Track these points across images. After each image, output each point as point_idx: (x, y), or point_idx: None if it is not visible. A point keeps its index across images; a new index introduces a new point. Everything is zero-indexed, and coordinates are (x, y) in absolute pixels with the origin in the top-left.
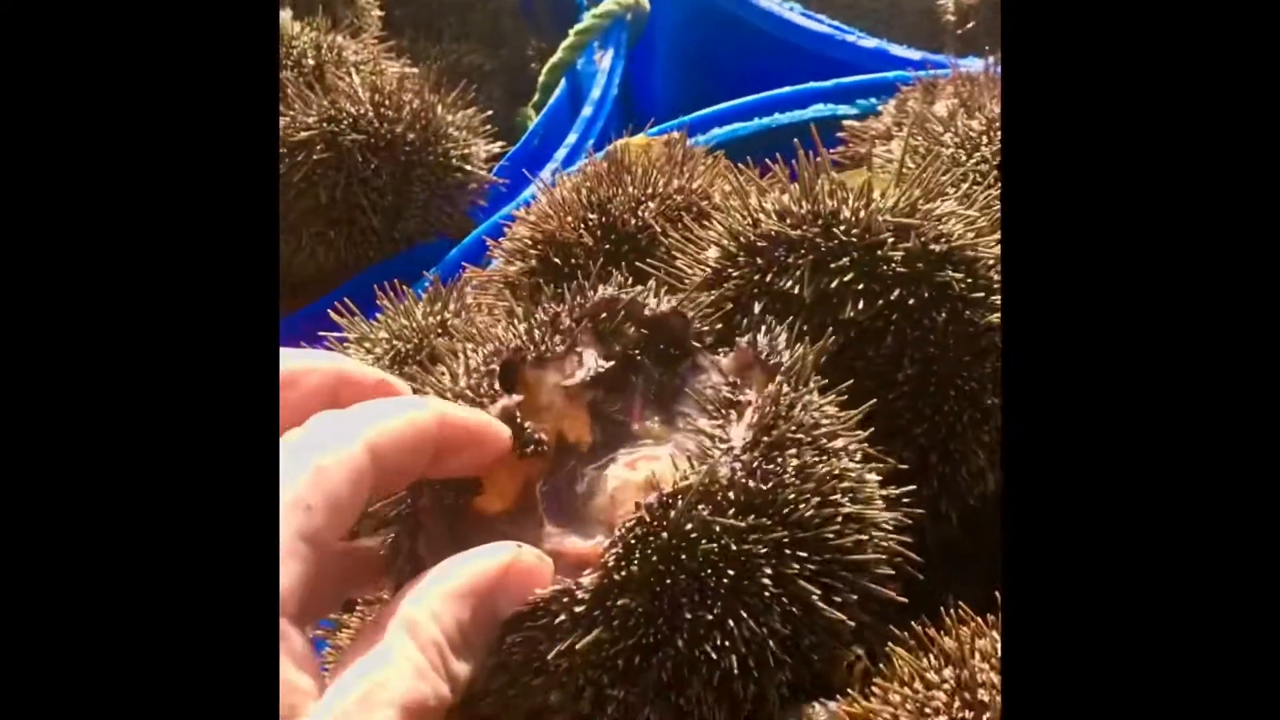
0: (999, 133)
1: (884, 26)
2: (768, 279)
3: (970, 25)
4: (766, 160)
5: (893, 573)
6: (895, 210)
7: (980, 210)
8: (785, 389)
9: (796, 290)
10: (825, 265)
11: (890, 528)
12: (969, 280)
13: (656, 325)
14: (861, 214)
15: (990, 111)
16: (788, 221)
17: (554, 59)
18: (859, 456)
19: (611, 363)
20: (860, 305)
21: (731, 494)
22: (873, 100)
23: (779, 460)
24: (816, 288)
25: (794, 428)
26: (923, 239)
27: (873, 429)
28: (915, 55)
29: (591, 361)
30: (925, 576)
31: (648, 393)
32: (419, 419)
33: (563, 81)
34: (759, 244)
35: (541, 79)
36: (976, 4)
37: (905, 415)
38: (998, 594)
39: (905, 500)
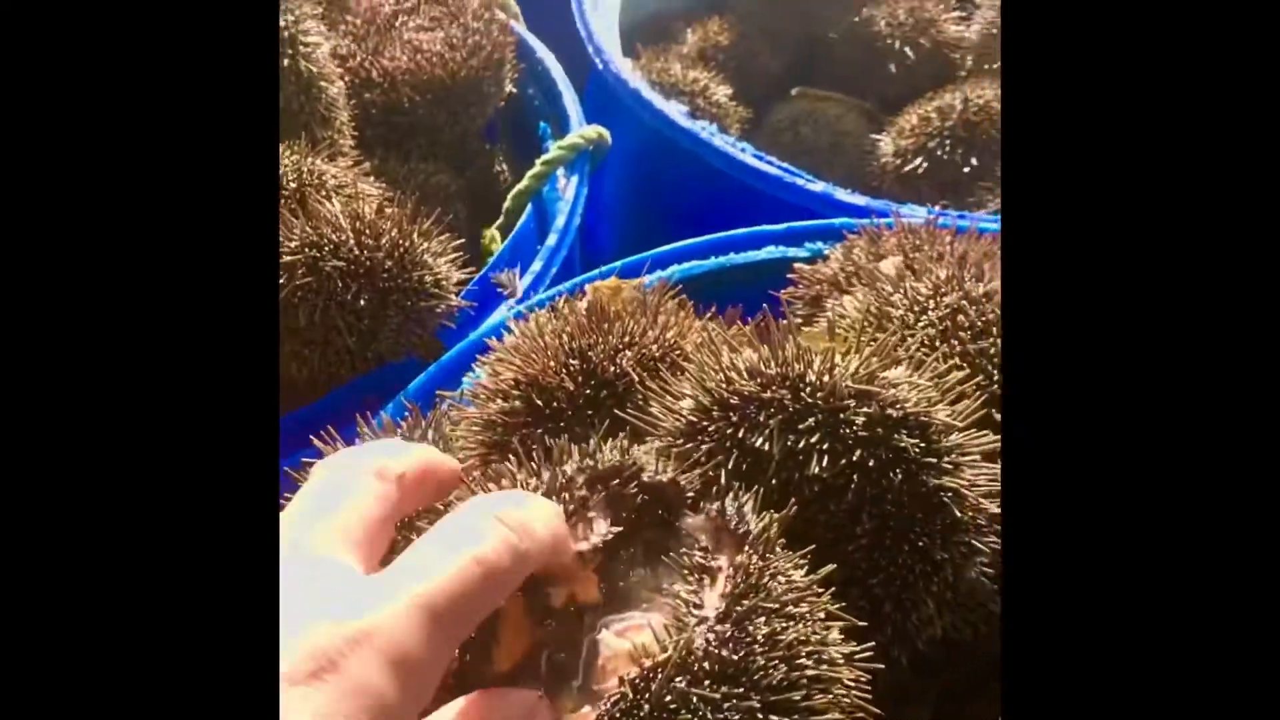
0: (943, 297)
1: (826, 165)
2: (740, 435)
3: (904, 170)
4: (721, 300)
5: None
6: (856, 376)
7: (930, 378)
8: (754, 559)
9: (766, 447)
10: (793, 425)
11: (851, 683)
12: (922, 445)
13: (655, 492)
14: (826, 378)
15: (935, 276)
16: (759, 381)
17: (520, 186)
18: (822, 615)
19: (619, 529)
20: (824, 463)
21: (707, 664)
22: (820, 244)
23: (750, 629)
24: (784, 445)
25: (763, 596)
26: (881, 405)
27: (834, 589)
28: (860, 200)
29: (603, 526)
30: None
31: (642, 556)
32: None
33: (528, 207)
34: (732, 401)
35: (507, 204)
36: (915, 148)
37: (862, 566)
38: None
39: (862, 655)
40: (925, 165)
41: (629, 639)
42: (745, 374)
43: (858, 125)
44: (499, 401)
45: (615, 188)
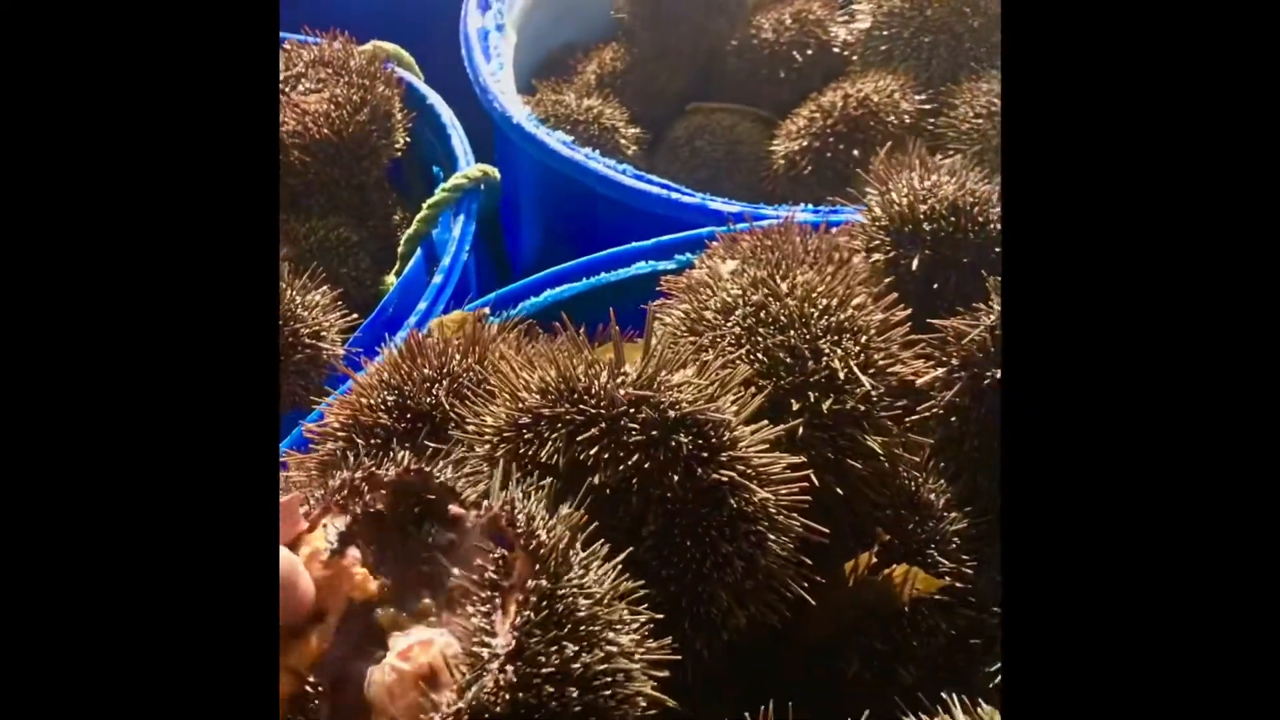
0: (751, 295)
1: (727, 175)
2: (530, 452)
3: (794, 172)
4: (595, 320)
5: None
6: (635, 383)
7: (711, 378)
8: (544, 582)
9: (553, 460)
10: (575, 438)
11: (650, 686)
12: (698, 441)
13: (400, 489)
14: (607, 388)
15: (749, 275)
16: (547, 398)
17: (409, 231)
18: (620, 617)
19: (349, 519)
20: (607, 471)
21: (499, 709)
22: (689, 255)
23: (542, 663)
24: (570, 457)
25: (556, 621)
26: (658, 408)
27: (630, 593)
28: (735, 208)
29: (334, 527)
30: (689, 708)
31: (414, 553)
32: None
33: (419, 251)
34: (521, 420)
35: (400, 249)
36: (802, 149)
37: (653, 564)
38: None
39: (658, 655)
40: (812, 164)
41: (413, 659)
42: (536, 393)
43: (753, 133)
44: (329, 443)
45: (525, 219)
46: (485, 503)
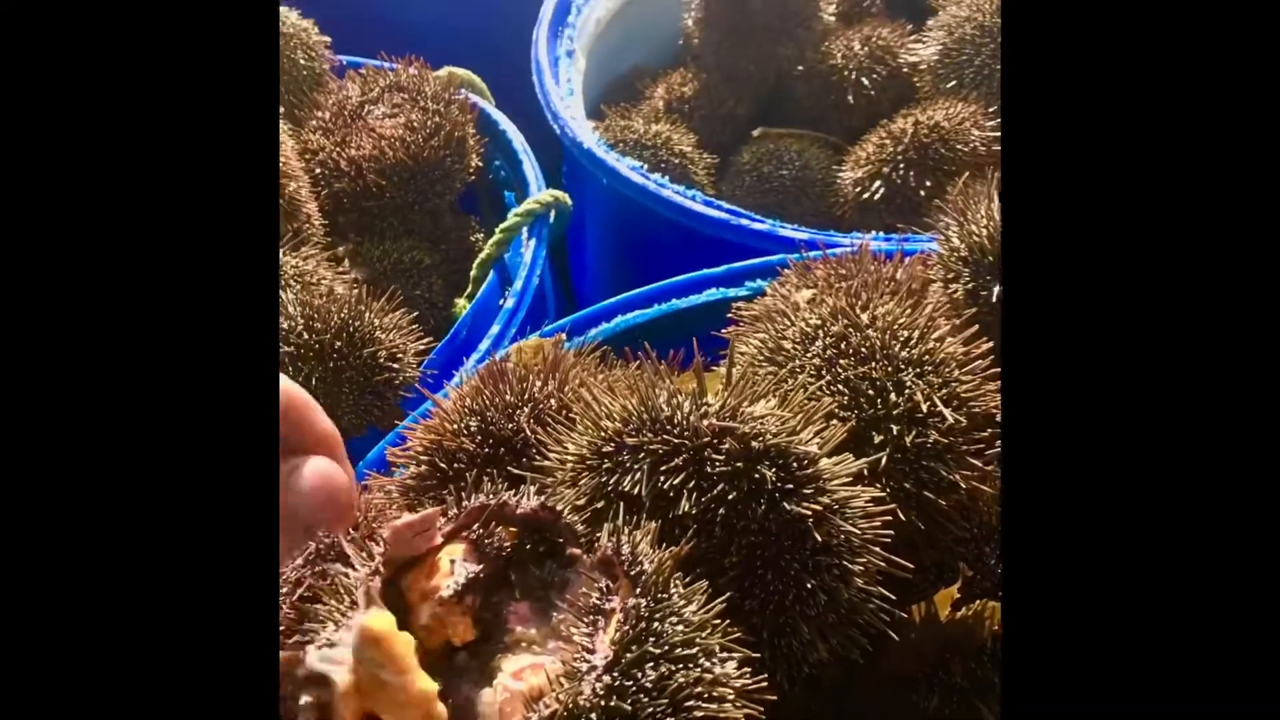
0: (831, 326)
1: (793, 201)
2: (612, 480)
3: (865, 196)
4: (667, 346)
5: None
6: (718, 414)
7: (794, 409)
8: (644, 602)
9: (637, 490)
10: (659, 467)
11: (741, 716)
12: (782, 474)
13: (526, 523)
14: (691, 418)
15: (829, 305)
16: (630, 427)
17: (482, 254)
18: (716, 648)
19: (481, 566)
20: (691, 501)
21: (594, 715)
22: (760, 282)
23: (638, 676)
24: (653, 487)
25: (652, 641)
26: (742, 440)
27: (727, 622)
28: (804, 235)
29: (464, 569)
30: None
31: (528, 591)
32: None
33: (491, 274)
34: (604, 448)
35: (473, 273)
36: (871, 175)
37: (736, 598)
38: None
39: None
40: (882, 191)
41: (525, 680)
42: (619, 421)
43: (820, 159)
44: (411, 467)
45: (593, 244)
46: (597, 541)
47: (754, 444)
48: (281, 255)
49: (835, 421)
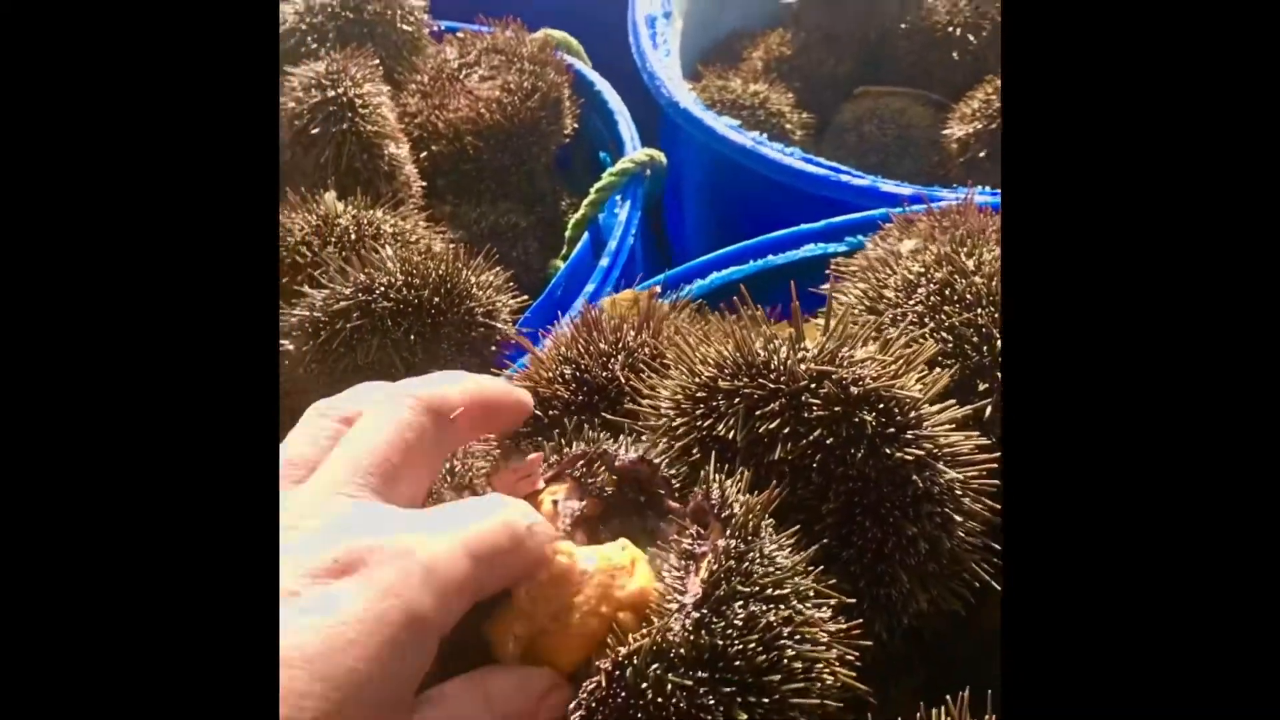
0: (934, 273)
1: (896, 160)
2: (706, 425)
3: (968, 156)
4: (766, 301)
5: (840, 704)
6: (816, 359)
7: (895, 355)
8: (734, 543)
9: (731, 436)
10: (754, 411)
11: (835, 661)
12: (883, 419)
13: (626, 474)
14: (788, 363)
15: (931, 253)
16: (724, 372)
17: (577, 215)
18: (810, 593)
19: (585, 502)
20: (787, 447)
21: (683, 650)
22: (859, 237)
23: (727, 613)
24: (748, 432)
25: (742, 579)
26: (840, 384)
27: (821, 568)
28: (907, 190)
29: (569, 506)
30: (867, 690)
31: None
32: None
33: (585, 234)
34: (698, 394)
35: (567, 234)
36: (975, 132)
37: (833, 545)
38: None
39: (849, 632)
40: (987, 148)
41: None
42: (713, 366)
43: (924, 117)
44: None
45: (689, 203)
46: (691, 491)
47: (853, 389)
48: (380, 213)
49: (938, 369)
